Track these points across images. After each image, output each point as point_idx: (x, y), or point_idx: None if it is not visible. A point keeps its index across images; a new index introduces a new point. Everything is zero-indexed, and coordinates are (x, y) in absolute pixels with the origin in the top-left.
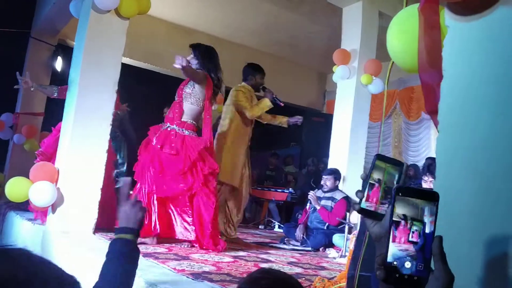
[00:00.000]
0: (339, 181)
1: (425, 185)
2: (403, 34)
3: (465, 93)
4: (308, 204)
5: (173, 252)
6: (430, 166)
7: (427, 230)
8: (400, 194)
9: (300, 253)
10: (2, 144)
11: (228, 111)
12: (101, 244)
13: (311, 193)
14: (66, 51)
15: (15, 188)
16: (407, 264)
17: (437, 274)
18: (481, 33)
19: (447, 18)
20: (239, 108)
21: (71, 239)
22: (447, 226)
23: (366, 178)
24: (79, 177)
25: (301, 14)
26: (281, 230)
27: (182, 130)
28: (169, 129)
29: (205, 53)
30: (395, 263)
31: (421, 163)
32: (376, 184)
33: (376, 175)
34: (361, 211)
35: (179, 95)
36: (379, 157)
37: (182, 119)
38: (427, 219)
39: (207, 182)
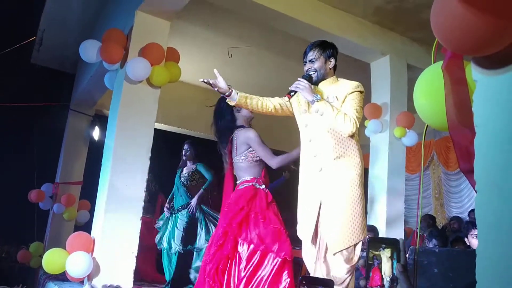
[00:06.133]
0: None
1: (472, 240)
2: (429, 93)
3: (500, 149)
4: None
5: None
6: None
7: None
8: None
9: None
10: (42, 214)
11: None
12: None
13: None
14: (103, 121)
15: (51, 260)
16: None
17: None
18: None
19: (475, 72)
20: None
21: None
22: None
23: (364, 264)
24: (114, 246)
25: None
26: None
27: None
28: None
29: None
30: None
31: (465, 215)
32: (375, 263)
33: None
34: None
35: None
36: (371, 240)
37: None
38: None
39: None
